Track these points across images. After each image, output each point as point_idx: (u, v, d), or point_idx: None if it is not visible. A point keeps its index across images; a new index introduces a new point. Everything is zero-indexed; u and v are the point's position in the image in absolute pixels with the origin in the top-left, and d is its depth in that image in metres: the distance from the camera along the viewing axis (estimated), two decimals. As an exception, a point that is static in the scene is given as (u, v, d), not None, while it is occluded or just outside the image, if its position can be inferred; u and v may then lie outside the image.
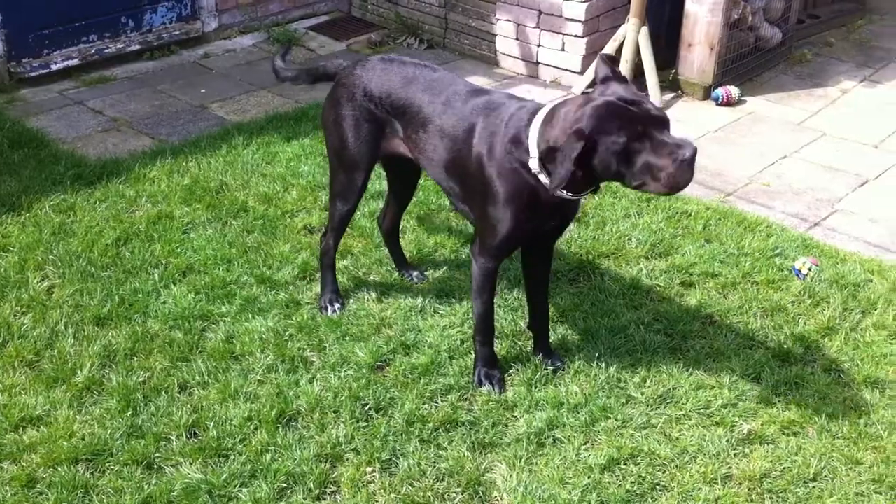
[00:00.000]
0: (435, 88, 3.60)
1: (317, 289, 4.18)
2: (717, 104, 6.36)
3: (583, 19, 6.37)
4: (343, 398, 3.52)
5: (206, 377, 3.63)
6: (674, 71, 6.55)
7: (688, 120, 6.15)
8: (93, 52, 6.52)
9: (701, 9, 6.20)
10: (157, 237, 4.51)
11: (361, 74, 3.78)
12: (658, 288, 4.27)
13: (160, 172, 5.11)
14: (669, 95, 6.49)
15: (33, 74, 6.25)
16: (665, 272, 4.38)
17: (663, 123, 3.07)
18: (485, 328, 3.63)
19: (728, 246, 4.60)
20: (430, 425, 3.43)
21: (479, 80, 6.62)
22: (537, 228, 3.46)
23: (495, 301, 4.07)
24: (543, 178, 3.22)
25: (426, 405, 3.53)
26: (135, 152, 5.39)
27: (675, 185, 3.05)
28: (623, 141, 3.02)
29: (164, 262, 4.33)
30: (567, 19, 6.44)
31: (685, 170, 3.01)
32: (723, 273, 4.38)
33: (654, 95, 6.27)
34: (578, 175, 3.12)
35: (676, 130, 3.19)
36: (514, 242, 3.48)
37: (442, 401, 3.56)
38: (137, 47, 6.74)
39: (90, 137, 5.65)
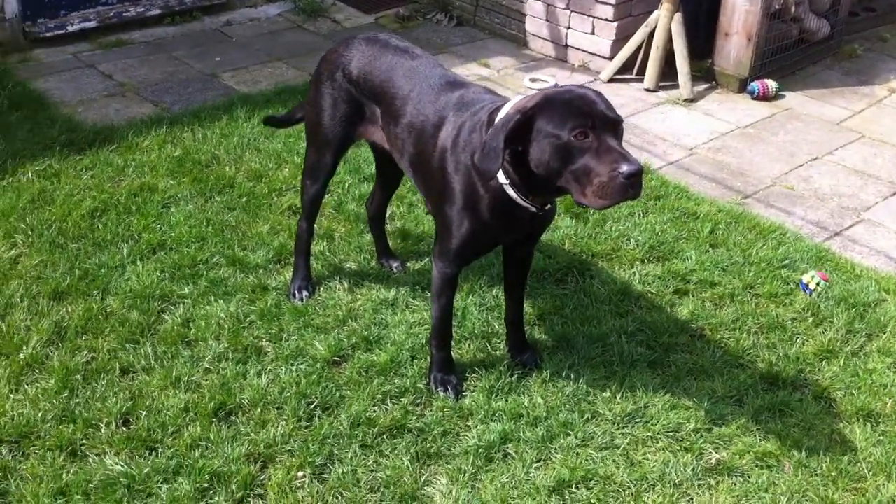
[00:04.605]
0: (412, 77, 3.37)
1: (289, 274, 4.00)
2: (753, 98, 5.99)
3: (613, 2, 6.05)
4: (289, 394, 3.34)
5: (153, 362, 3.47)
6: (710, 61, 6.19)
7: (719, 113, 5.81)
8: (111, 14, 6.41)
9: (739, -4, 5.83)
10: (136, 210, 4.38)
11: (344, 53, 3.58)
12: (649, 295, 3.99)
13: (153, 142, 4.97)
14: (703, 86, 6.13)
15: (48, 35, 6.17)
16: (660, 278, 4.09)
17: (615, 127, 2.80)
18: (442, 333, 3.40)
19: (734, 253, 4.29)
20: (376, 430, 3.22)
21: (505, 61, 6.39)
22: (498, 236, 3.22)
23: (471, 299, 3.87)
24: (503, 177, 2.97)
25: (376, 407, 3.33)
26: (133, 119, 5.27)
27: (603, 196, 2.74)
28: (565, 133, 2.76)
29: (136, 237, 4.19)
30: (598, 2, 6.12)
31: (619, 186, 2.71)
32: (722, 282, 4.08)
33: (685, 85, 5.93)
34: (508, 162, 2.88)
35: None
36: (472, 248, 3.23)
37: (394, 404, 3.35)
38: (158, 12, 6.62)
39: (93, 102, 5.54)
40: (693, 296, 4.00)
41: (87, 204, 4.38)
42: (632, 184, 2.73)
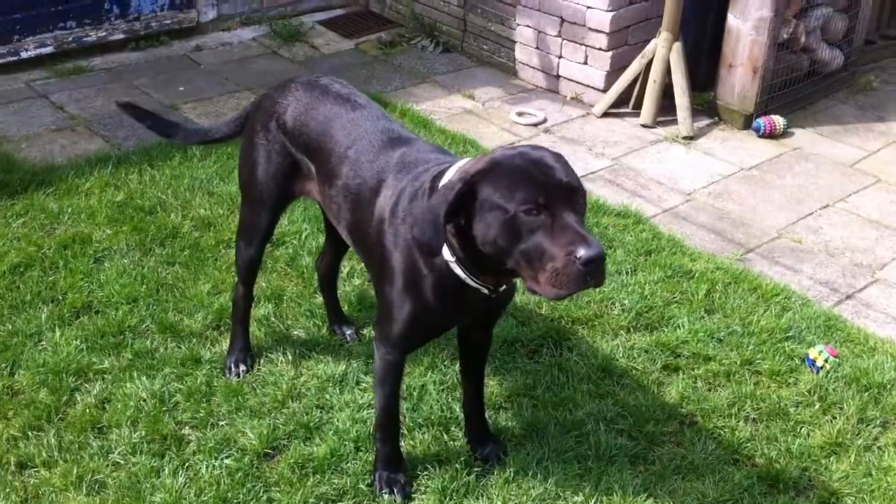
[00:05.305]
0: (351, 131, 2.92)
1: (227, 343, 3.54)
2: (759, 135, 5.51)
3: (608, 31, 5.58)
4: (207, 497, 2.87)
5: (56, 454, 3.01)
6: (713, 93, 5.72)
7: (721, 153, 5.33)
8: (70, 39, 5.98)
9: (744, 25, 5.35)
10: (64, 265, 3.92)
11: (279, 101, 3.13)
12: (634, 371, 3.51)
13: (95, 185, 4.53)
14: (705, 121, 5.65)
15: (0, 62, 5.73)
16: (646, 351, 3.61)
17: (574, 199, 2.34)
18: (387, 425, 2.93)
19: (732, 320, 3.80)
20: (304, 544, 2.76)
21: (492, 92, 5.94)
22: (446, 321, 2.76)
23: (430, 376, 3.40)
24: (448, 254, 2.51)
25: (308, 514, 2.86)
26: (78, 158, 4.83)
27: (558, 285, 2.29)
28: (513, 206, 2.30)
29: (60, 297, 3.74)
30: (591, 29, 5.65)
31: (575, 274, 2.26)
32: (718, 357, 3.59)
33: (684, 122, 5.45)
34: (453, 236, 2.46)
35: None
36: (417, 334, 2.77)
37: (329, 509, 2.89)
38: (122, 36, 6.18)
39: (39, 137, 5.10)
40: (684, 373, 3.52)
41: (10, 258, 3.93)
42: (591, 271, 2.27)
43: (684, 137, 5.45)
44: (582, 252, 2.23)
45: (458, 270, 2.52)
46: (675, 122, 5.52)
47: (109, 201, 4.40)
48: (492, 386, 3.39)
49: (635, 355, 3.59)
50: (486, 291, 2.57)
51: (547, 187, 2.31)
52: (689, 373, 3.52)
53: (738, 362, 3.57)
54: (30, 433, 3.09)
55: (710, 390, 3.45)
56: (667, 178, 5.05)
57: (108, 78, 5.88)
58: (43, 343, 3.49)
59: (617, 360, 3.56)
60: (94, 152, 4.90)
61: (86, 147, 5.01)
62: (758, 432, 3.26)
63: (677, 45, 5.42)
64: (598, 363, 3.53)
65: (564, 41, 5.83)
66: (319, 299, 3.77)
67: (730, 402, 3.37)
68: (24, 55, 5.82)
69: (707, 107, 5.75)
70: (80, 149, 4.98)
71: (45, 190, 4.46)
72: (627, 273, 4.07)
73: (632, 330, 3.74)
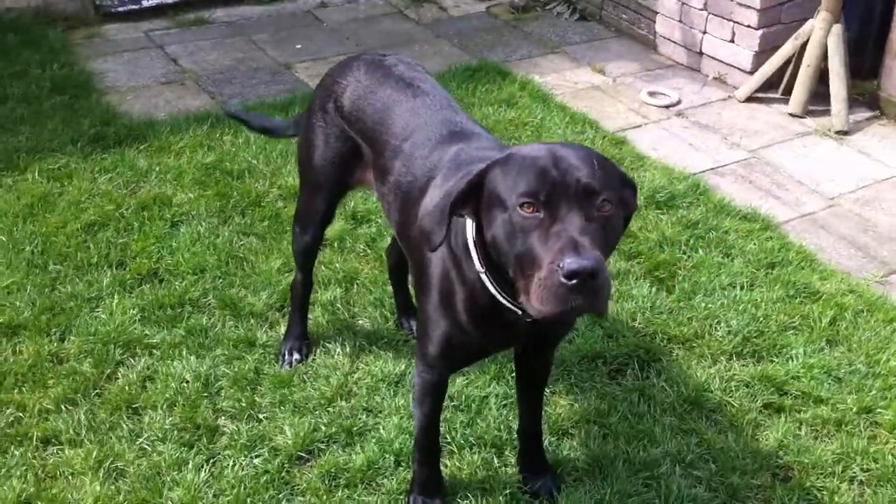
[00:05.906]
0: (410, 121, 2.59)
1: (285, 328, 3.31)
2: (926, 135, 4.82)
3: (759, 7, 4.99)
4: (225, 500, 2.65)
5: (84, 432, 2.86)
6: (876, 83, 5.04)
7: (878, 152, 4.68)
8: (194, -11, 5.89)
9: (918, 8, 4.66)
10: (138, 227, 3.79)
11: (339, 80, 2.84)
12: (728, 407, 3.06)
13: (188, 144, 4.38)
14: (864, 114, 5.00)
15: (122, 9, 5.72)
16: (747, 384, 3.14)
17: (589, 202, 1.92)
18: (425, 446, 2.62)
19: (856, 356, 3.27)
20: (318, 569, 2.50)
21: (624, 67, 5.48)
22: (485, 343, 2.39)
23: (493, 388, 3.07)
24: (479, 265, 2.15)
25: (330, 534, 2.60)
26: (178, 114, 4.70)
27: (541, 299, 1.88)
28: (512, 200, 1.94)
29: (128, 261, 3.60)
30: (740, 4, 5.07)
31: (556, 287, 1.84)
32: (832, 400, 3.08)
33: (839, 114, 4.82)
34: (475, 239, 2.14)
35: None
36: (454, 355, 2.43)
37: (354, 531, 2.62)
38: (247, -12, 6.05)
39: (146, 90, 5.01)
40: (788, 415, 3.03)
41: (87, 215, 3.83)
42: (575, 288, 1.84)
43: (837, 132, 4.82)
44: (567, 261, 1.82)
45: (489, 285, 2.16)
46: (828, 113, 4.89)
47: (199, 162, 4.24)
48: (561, 406, 3.03)
49: (733, 388, 3.13)
50: (519, 312, 2.19)
51: (556, 184, 1.91)
52: (794, 416, 3.03)
53: (855, 409, 3.05)
54: (63, 406, 2.95)
55: (815, 439, 2.96)
56: (809, 177, 4.47)
57: (228, 31, 5.75)
58: (99, 310, 3.36)
59: (710, 391, 3.11)
60: (196, 109, 4.77)
61: (190, 103, 4.88)
62: (863, 499, 2.76)
63: (837, 28, 4.78)
64: (688, 393, 3.09)
65: (710, 15, 5.27)
66: (390, 289, 3.49)
67: (836, 458, 2.87)
68: (145, 4, 5.78)
69: (868, 98, 5.08)
70: (183, 104, 4.86)
71: (137, 146, 4.36)
72: (741, 288, 3.58)
73: (735, 357, 3.27)
